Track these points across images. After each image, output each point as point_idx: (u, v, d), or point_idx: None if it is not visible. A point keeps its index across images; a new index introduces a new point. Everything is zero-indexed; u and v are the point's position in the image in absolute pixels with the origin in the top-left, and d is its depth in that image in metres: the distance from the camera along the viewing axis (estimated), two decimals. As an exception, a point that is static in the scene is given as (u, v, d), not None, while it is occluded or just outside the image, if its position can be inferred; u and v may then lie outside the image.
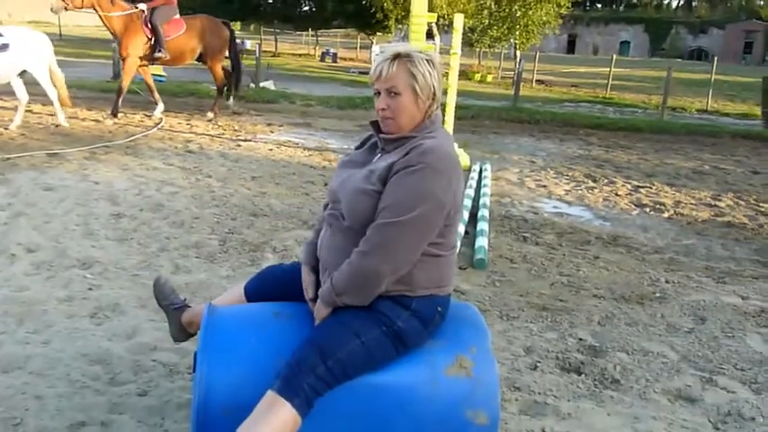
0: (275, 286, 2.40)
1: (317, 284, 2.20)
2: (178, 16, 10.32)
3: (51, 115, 9.84)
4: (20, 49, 8.02)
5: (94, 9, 9.49)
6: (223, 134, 9.53)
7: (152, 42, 9.77)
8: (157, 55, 9.85)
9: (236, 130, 9.94)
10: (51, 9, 9.48)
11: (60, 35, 36.45)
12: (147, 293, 3.69)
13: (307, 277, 2.26)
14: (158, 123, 9.91)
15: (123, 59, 9.98)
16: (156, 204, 5.50)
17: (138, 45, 9.75)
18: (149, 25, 9.69)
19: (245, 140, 9.10)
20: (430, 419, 2.01)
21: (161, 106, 10.69)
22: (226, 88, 11.36)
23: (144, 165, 7.03)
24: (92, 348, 3.04)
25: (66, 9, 9.44)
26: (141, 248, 4.45)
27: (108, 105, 10.99)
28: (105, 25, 9.75)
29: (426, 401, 2.01)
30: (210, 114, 10.83)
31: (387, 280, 1.99)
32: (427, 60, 2.05)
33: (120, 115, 10.29)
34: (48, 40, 8.80)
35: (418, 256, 2.01)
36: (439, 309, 2.12)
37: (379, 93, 2.07)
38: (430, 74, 2.04)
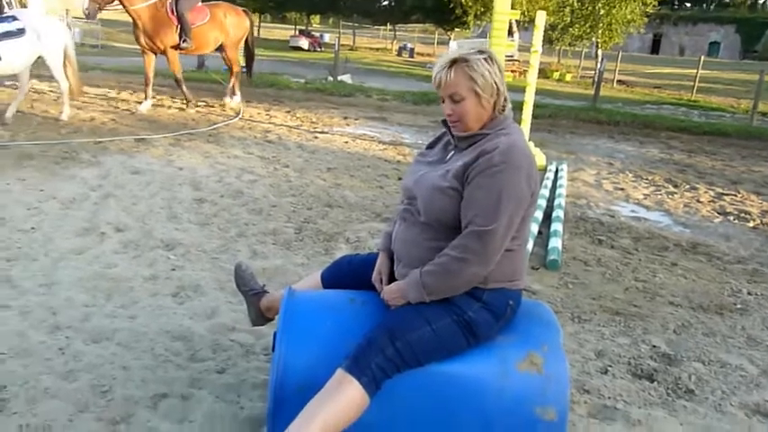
0: (350, 275, 2.48)
1: (391, 272, 2.30)
2: (200, 3, 10.04)
3: (138, 102, 10.30)
4: (36, 35, 7.39)
5: (120, 2, 9.17)
6: (301, 126, 9.73)
7: (178, 31, 9.49)
8: (183, 45, 9.57)
9: (313, 122, 10.14)
10: (86, 14, 9.23)
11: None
12: (225, 276, 3.85)
13: (381, 263, 2.35)
14: (239, 113, 10.21)
15: (162, 53, 9.81)
16: (236, 191, 5.69)
17: (170, 35, 9.50)
18: (175, 13, 9.39)
19: (321, 132, 9.27)
20: (498, 412, 2.04)
21: (238, 97, 10.81)
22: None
23: (225, 153, 7.27)
24: (174, 326, 3.20)
25: (99, 9, 9.19)
26: (221, 233, 4.63)
27: (193, 94, 11.39)
28: (132, 17, 9.42)
29: (495, 394, 2.04)
30: (235, 101, 10.74)
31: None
32: (485, 59, 2.07)
33: (201, 103, 10.66)
34: (64, 25, 8.45)
35: None
36: (510, 303, 2.15)
37: (444, 99, 2.12)
38: (489, 72, 2.06)
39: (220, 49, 10.54)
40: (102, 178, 5.77)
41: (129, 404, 2.52)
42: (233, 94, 10.83)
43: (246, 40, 11.01)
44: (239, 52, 11.08)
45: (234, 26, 10.40)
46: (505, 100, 2.14)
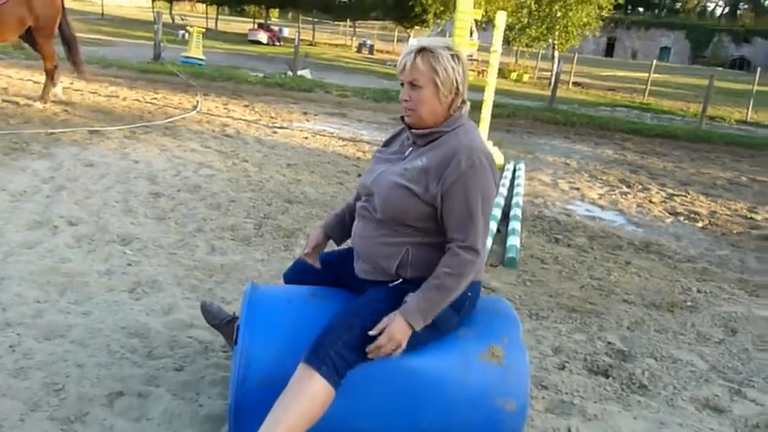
0: (310, 273, 2.48)
1: (336, 267, 2.41)
2: None
3: (93, 93, 10.05)
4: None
5: None
6: (259, 120, 9.64)
7: None
8: None
9: (272, 117, 10.05)
10: None
11: (102, 14, 37.08)
12: (183, 272, 3.79)
13: (314, 235, 2.45)
14: (196, 106, 10.04)
15: None
16: (194, 185, 5.60)
17: None
18: None
19: (280, 128, 9.20)
20: (460, 403, 2.07)
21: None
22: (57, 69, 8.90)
23: (182, 146, 7.14)
24: (130, 322, 3.13)
25: None
26: (178, 228, 4.55)
27: (149, 86, 11.17)
28: None
29: (457, 386, 2.07)
30: (41, 105, 8.43)
31: None
32: (452, 55, 2.09)
33: (158, 96, 10.45)
34: None
35: None
36: (469, 294, 2.18)
37: (404, 84, 2.13)
38: (453, 69, 2.08)
39: (29, 37, 8.27)
40: (55, 170, 5.60)
41: (83, 402, 2.45)
42: (47, 91, 8.63)
43: (60, 25, 8.61)
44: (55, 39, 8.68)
45: (43, 5, 8.03)
46: (463, 102, 2.16)
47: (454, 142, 2.08)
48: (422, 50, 2.07)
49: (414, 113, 2.12)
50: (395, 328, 2.00)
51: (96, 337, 2.94)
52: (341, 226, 2.45)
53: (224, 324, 2.76)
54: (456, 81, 2.09)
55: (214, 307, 2.86)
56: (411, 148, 2.20)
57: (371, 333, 2.00)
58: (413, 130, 2.18)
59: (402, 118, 2.22)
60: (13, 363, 2.66)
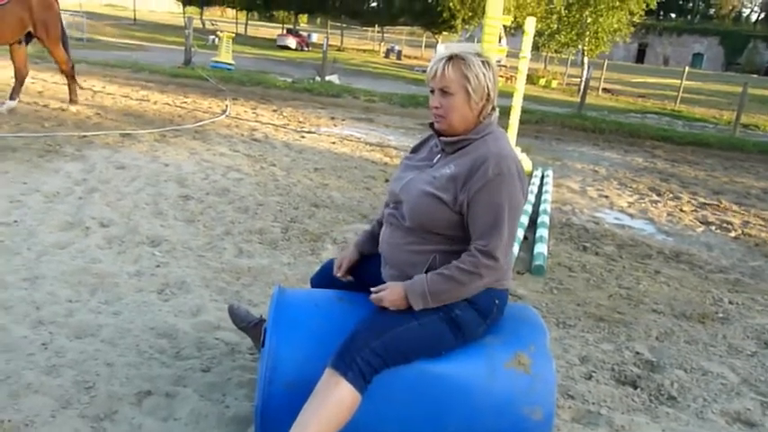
0: (336, 278, 2.49)
1: (362, 269, 2.42)
2: None
3: (125, 97, 10.22)
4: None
5: None
6: (287, 125, 9.71)
7: None
8: None
9: (300, 122, 10.11)
10: None
11: (134, 19, 37.71)
12: (211, 274, 3.83)
13: (347, 253, 2.47)
14: (225, 111, 10.15)
15: None
16: (222, 189, 5.66)
17: None
18: None
19: (308, 132, 9.25)
20: (486, 411, 2.06)
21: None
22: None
23: (211, 150, 7.23)
24: (159, 323, 3.17)
25: None
26: (207, 231, 4.60)
27: (179, 90, 11.32)
28: None
29: (483, 393, 2.06)
30: (73, 108, 8.61)
31: None
32: (482, 62, 2.09)
33: (188, 100, 10.59)
34: None
35: None
36: (496, 302, 2.18)
37: (434, 91, 2.13)
38: (484, 75, 2.08)
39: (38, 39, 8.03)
40: (87, 173, 5.71)
41: (112, 401, 2.49)
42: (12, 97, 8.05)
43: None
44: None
45: (41, 9, 7.81)
46: (493, 108, 2.16)
47: (483, 150, 2.07)
48: (453, 57, 2.07)
49: (444, 120, 2.12)
50: (390, 295, 2.07)
51: (126, 337, 2.99)
52: (372, 241, 2.45)
53: (251, 327, 2.78)
54: (487, 87, 2.09)
55: (242, 310, 2.88)
56: (440, 155, 2.20)
57: (372, 290, 2.12)
58: (442, 138, 2.18)
59: (431, 124, 2.22)
60: (45, 360, 2.72)
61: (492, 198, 2.02)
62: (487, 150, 2.06)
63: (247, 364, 2.87)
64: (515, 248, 4.65)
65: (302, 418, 1.94)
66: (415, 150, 2.38)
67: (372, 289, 2.13)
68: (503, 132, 2.21)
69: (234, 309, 2.89)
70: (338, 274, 2.42)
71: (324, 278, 2.56)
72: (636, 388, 3.09)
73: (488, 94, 2.11)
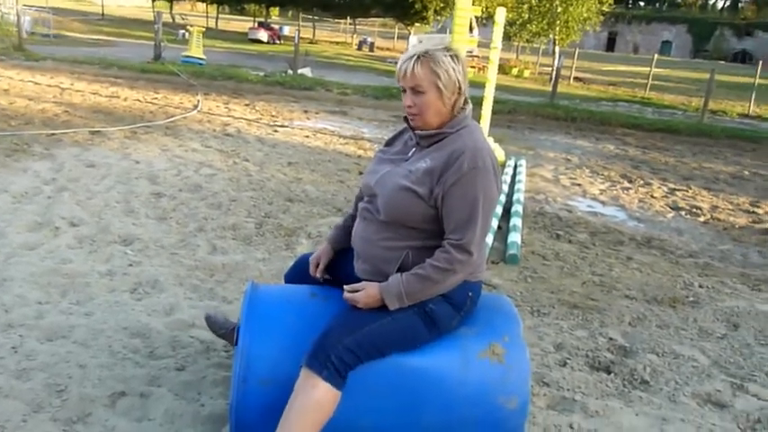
0: (310, 273, 2.48)
1: (336, 265, 2.41)
2: None
3: (94, 94, 10.07)
4: None
5: None
6: (260, 119, 9.64)
7: None
8: None
9: (273, 116, 10.05)
10: None
11: (102, 15, 37.09)
12: (185, 272, 3.80)
13: (323, 251, 2.43)
14: (197, 106, 10.04)
15: None
16: (195, 185, 5.61)
17: None
18: None
19: (281, 126, 9.20)
20: (461, 401, 2.07)
21: None
22: None
23: (183, 146, 7.15)
24: (132, 322, 3.13)
25: None
26: (180, 228, 4.55)
27: (150, 86, 11.16)
28: None
29: (458, 384, 2.08)
30: None
31: None
32: (451, 56, 2.09)
33: (159, 96, 10.46)
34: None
35: None
36: (470, 294, 2.19)
37: (406, 90, 2.12)
38: (454, 69, 2.08)
39: None
40: (56, 171, 5.62)
41: (85, 403, 2.46)
42: None
43: None
44: None
45: None
46: (465, 101, 2.16)
47: (459, 143, 2.07)
48: (421, 56, 2.07)
49: (419, 118, 2.12)
50: (365, 297, 2.07)
51: (98, 338, 2.95)
52: (346, 236, 2.43)
53: (230, 332, 2.76)
54: (458, 81, 2.09)
55: (219, 317, 2.88)
56: (414, 149, 2.19)
57: (346, 288, 2.12)
58: (417, 132, 2.17)
59: (406, 119, 2.22)
60: (15, 364, 2.67)
61: (467, 191, 2.02)
62: (463, 144, 2.07)
63: (222, 361, 2.85)
64: (489, 238, 4.68)
65: (284, 424, 1.94)
66: (389, 143, 2.37)
67: (346, 287, 2.12)
68: (477, 126, 2.22)
69: (211, 318, 2.88)
70: (316, 275, 2.40)
71: (297, 274, 2.54)
72: (609, 373, 3.13)
73: (459, 88, 2.11)
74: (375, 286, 2.07)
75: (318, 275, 2.40)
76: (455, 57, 2.10)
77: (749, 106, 17.52)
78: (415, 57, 2.07)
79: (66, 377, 2.62)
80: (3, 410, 2.36)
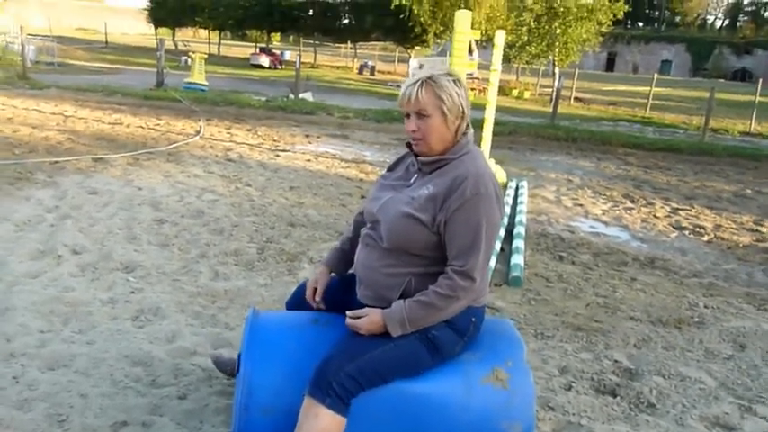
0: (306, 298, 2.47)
1: (336, 291, 2.37)
2: None
3: (97, 121, 10.14)
4: None
5: None
6: (262, 144, 9.68)
7: None
8: None
9: (274, 141, 10.09)
10: None
11: (106, 43, 37.48)
12: (186, 298, 3.79)
13: (319, 275, 2.41)
14: (199, 132, 10.10)
15: None
16: (197, 211, 5.62)
17: None
18: None
19: (283, 151, 9.23)
20: (465, 428, 2.06)
21: None
22: None
23: (185, 172, 7.18)
24: (134, 350, 3.12)
25: None
26: (182, 254, 4.55)
27: (152, 112, 11.22)
28: None
29: (461, 410, 2.06)
30: None
31: None
32: (454, 81, 2.11)
33: (162, 122, 10.52)
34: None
35: None
36: (473, 319, 2.18)
37: (409, 115, 2.14)
38: (457, 94, 2.10)
39: None
40: (59, 199, 5.64)
41: (87, 433, 2.44)
42: None
43: None
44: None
45: None
46: (468, 126, 2.18)
47: (461, 169, 2.08)
48: (425, 81, 2.09)
49: (422, 143, 2.13)
50: (368, 322, 2.06)
51: (100, 367, 2.94)
52: (343, 259, 2.45)
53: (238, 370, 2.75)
54: (461, 105, 2.11)
55: (225, 359, 2.87)
56: (417, 175, 2.20)
57: (348, 314, 2.11)
58: (419, 158, 2.18)
59: (408, 144, 2.22)
60: (17, 394, 2.66)
61: (470, 217, 2.03)
62: (465, 170, 2.07)
63: (225, 389, 2.83)
64: (492, 261, 4.67)
65: None
66: (390, 169, 2.38)
67: (348, 313, 2.11)
68: (479, 151, 2.23)
69: (217, 359, 2.89)
70: (313, 302, 2.38)
71: (299, 300, 2.53)
72: (615, 396, 3.10)
73: (462, 112, 2.13)
74: (378, 312, 2.07)
75: (317, 299, 2.38)
76: (457, 81, 2.13)
77: (750, 124, 17.55)
78: (420, 82, 2.09)
79: (67, 407, 2.61)
80: (3, 442, 2.34)
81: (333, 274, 2.45)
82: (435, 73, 2.11)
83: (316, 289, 2.39)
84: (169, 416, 2.61)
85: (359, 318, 2.08)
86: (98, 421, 2.53)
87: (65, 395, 2.68)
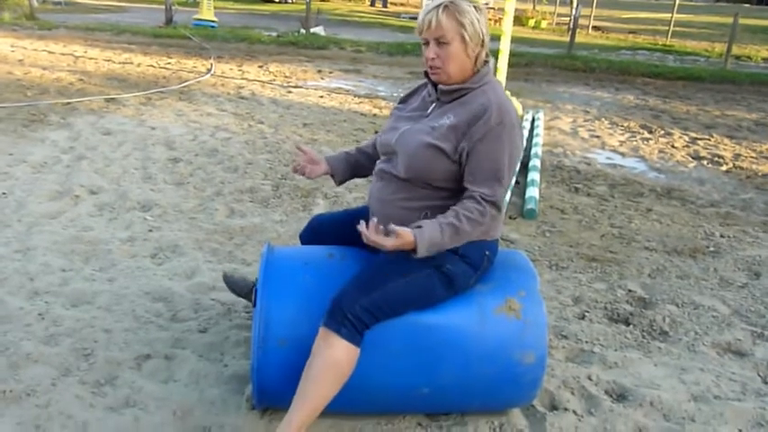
0: (325, 232, 2.49)
1: (349, 226, 2.17)
2: None
3: (107, 61, 10.07)
4: None
5: None
6: (274, 80, 9.58)
7: None
8: None
9: (286, 77, 9.98)
10: None
11: (113, -20, 36.79)
12: (204, 236, 3.84)
13: (318, 161, 2.41)
14: (210, 69, 10.00)
15: None
16: (211, 149, 5.62)
17: None
18: None
19: (295, 87, 9.14)
20: (479, 357, 2.09)
21: None
22: None
23: (198, 110, 7.15)
24: (154, 287, 3.19)
25: None
26: (197, 192, 4.58)
27: (162, 51, 11.08)
28: None
29: (475, 340, 2.09)
30: None
31: None
32: (475, 7, 2.05)
33: (172, 61, 10.42)
34: None
35: None
36: (487, 253, 2.18)
37: (428, 42, 2.08)
38: (478, 21, 2.04)
39: None
40: (73, 140, 5.66)
41: (112, 366, 2.53)
42: None
43: None
44: None
45: None
46: (487, 54, 2.13)
47: (483, 99, 2.05)
48: (446, 6, 2.03)
49: (442, 71, 2.09)
50: (400, 242, 1.90)
51: (122, 303, 3.01)
52: (346, 166, 2.46)
53: (249, 292, 2.80)
54: (482, 33, 2.06)
55: (236, 278, 2.91)
56: (434, 105, 2.16)
57: (370, 227, 1.90)
58: (439, 87, 2.14)
59: (426, 74, 2.18)
60: (43, 330, 2.74)
61: (494, 147, 2.01)
62: (487, 100, 2.04)
63: (243, 323, 2.90)
64: (507, 194, 4.65)
65: (304, 383, 1.96)
66: (404, 101, 2.35)
67: (371, 226, 1.91)
68: (499, 82, 2.19)
69: (228, 277, 2.92)
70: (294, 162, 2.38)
71: (313, 233, 2.56)
72: (628, 325, 3.14)
73: (483, 40, 2.08)
74: (409, 232, 1.92)
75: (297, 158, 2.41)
76: (477, 8, 2.07)
77: (774, 50, 17.01)
78: (441, 6, 2.03)
79: (92, 341, 2.69)
80: (33, 375, 2.43)
81: (329, 172, 2.45)
82: None
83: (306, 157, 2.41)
84: (191, 348, 2.68)
85: (387, 235, 1.92)
86: (122, 354, 2.61)
87: (89, 330, 2.76)
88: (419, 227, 1.95)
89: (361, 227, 1.91)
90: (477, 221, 2.00)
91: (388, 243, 1.90)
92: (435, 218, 2.00)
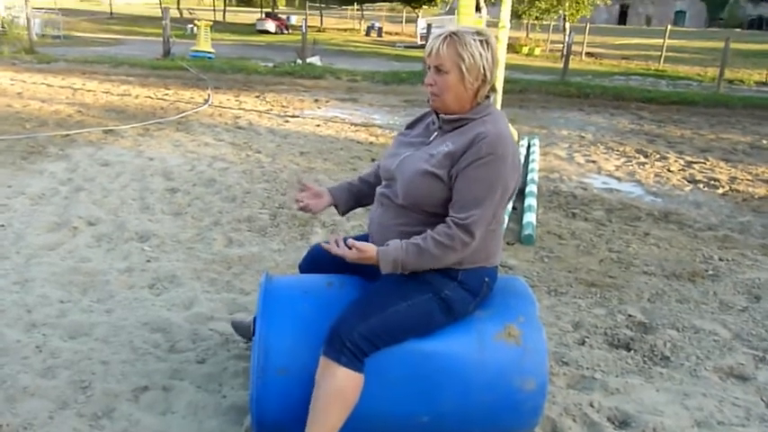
0: (324, 261, 2.48)
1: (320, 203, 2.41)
2: None
3: (105, 93, 10.14)
4: None
5: None
6: (271, 110, 9.65)
7: None
8: None
9: (283, 106, 10.05)
10: None
11: (111, 13, 37.24)
12: (202, 266, 3.83)
13: (321, 194, 2.43)
14: (207, 100, 10.07)
15: None
16: (209, 179, 5.64)
17: None
18: None
19: (292, 116, 9.20)
20: (479, 385, 2.07)
21: None
22: None
23: (195, 140, 7.18)
24: (152, 317, 3.17)
25: None
26: (195, 222, 4.59)
27: (160, 82, 11.19)
28: None
29: (475, 367, 2.07)
30: None
31: None
32: (481, 41, 2.05)
33: (170, 92, 10.50)
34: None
35: None
36: (486, 280, 2.17)
37: (430, 67, 2.11)
38: (480, 55, 2.04)
39: None
40: (72, 171, 5.68)
41: (110, 398, 2.50)
42: None
43: None
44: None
45: None
46: (491, 89, 2.14)
47: (481, 129, 2.05)
48: (449, 36, 2.05)
49: (438, 99, 2.11)
50: (360, 256, 2.01)
51: (119, 334, 2.99)
52: (348, 190, 2.46)
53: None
54: (483, 68, 2.06)
55: (245, 324, 2.89)
56: (437, 133, 2.18)
57: (323, 245, 2.06)
58: (441, 115, 2.16)
59: (429, 101, 2.21)
60: (40, 363, 2.72)
61: (479, 175, 2.00)
62: (486, 130, 2.04)
63: (242, 353, 2.88)
64: (504, 220, 4.66)
65: (312, 416, 1.96)
66: (410, 127, 2.36)
67: (348, 242, 2.05)
68: (502, 114, 2.19)
69: (237, 324, 2.93)
70: (298, 201, 2.40)
71: (312, 263, 2.55)
72: (629, 350, 3.12)
73: (484, 75, 2.07)
74: (372, 248, 2.02)
75: (299, 196, 2.41)
76: (485, 42, 2.06)
77: (767, 73, 17.21)
78: (446, 36, 2.05)
79: (89, 374, 2.66)
80: (30, 408, 2.40)
81: (332, 204, 2.46)
82: (463, 29, 2.07)
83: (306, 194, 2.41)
84: (189, 380, 2.66)
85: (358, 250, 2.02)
86: (120, 386, 2.58)
87: (86, 362, 2.74)
88: (387, 245, 2.03)
89: (324, 243, 2.06)
90: (443, 244, 2.00)
91: (350, 254, 2.01)
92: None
